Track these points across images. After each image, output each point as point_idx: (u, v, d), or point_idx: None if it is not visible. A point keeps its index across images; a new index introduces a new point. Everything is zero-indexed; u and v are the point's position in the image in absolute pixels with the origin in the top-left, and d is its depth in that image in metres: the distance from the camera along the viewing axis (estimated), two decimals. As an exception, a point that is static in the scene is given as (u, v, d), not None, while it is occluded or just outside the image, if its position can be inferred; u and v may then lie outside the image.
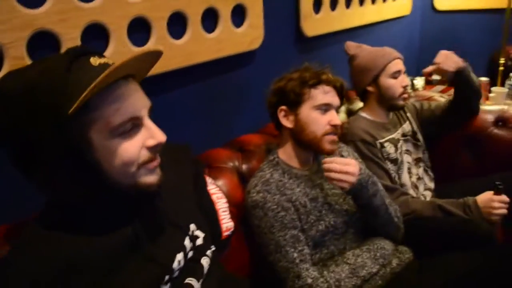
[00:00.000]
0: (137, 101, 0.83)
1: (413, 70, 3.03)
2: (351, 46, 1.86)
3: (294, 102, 1.37)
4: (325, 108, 1.36)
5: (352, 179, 1.29)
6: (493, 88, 2.69)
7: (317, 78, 1.36)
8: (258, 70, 1.86)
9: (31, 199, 0.87)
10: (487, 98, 2.64)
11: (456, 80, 1.79)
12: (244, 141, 1.60)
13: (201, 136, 1.66)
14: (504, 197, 1.50)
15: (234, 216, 1.30)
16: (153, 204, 0.93)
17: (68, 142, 0.75)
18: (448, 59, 1.76)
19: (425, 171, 1.89)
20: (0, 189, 1.09)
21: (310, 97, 1.36)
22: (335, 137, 1.37)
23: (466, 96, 1.84)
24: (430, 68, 1.81)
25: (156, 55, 0.87)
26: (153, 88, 1.47)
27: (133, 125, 0.82)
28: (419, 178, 1.83)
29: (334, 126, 1.36)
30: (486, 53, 3.07)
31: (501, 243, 1.59)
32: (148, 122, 0.84)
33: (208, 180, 1.25)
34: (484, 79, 2.68)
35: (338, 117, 1.38)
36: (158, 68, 1.38)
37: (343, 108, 1.98)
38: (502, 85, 2.84)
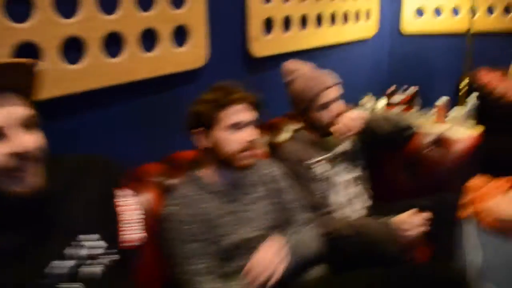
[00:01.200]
0: None
1: (380, 92, 3.10)
2: (287, 72, 1.88)
3: (208, 124, 1.42)
4: (238, 126, 1.41)
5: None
6: (452, 109, 2.75)
7: (227, 99, 1.40)
8: (202, 88, 1.90)
9: None
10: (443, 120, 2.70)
11: None
12: (177, 157, 1.66)
13: (139, 151, 1.71)
14: (416, 219, 1.54)
15: (153, 228, 1.35)
16: (40, 211, 0.97)
17: None
18: (351, 124, 1.75)
19: (363, 189, 1.92)
20: None
21: (221, 118, 1.40)
22: (252, 152, 1.43)
23: (383, 134, 1.84)
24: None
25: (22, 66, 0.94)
26: (91, 103, 1.53)
27: None
28: (355, 197, 1.87)
29: (249, 142, 1.41)
30: (454, 75, 3.11)
31: (419, 261, 1.65)
32: (11, 132, 0.89)
33: (126, 192, 1.30)
34: (442, 100, 2.75)
35: (253, 132, 1.43)
36: (92, 84, 1.47)
37: (264, 141, 1.91)
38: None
